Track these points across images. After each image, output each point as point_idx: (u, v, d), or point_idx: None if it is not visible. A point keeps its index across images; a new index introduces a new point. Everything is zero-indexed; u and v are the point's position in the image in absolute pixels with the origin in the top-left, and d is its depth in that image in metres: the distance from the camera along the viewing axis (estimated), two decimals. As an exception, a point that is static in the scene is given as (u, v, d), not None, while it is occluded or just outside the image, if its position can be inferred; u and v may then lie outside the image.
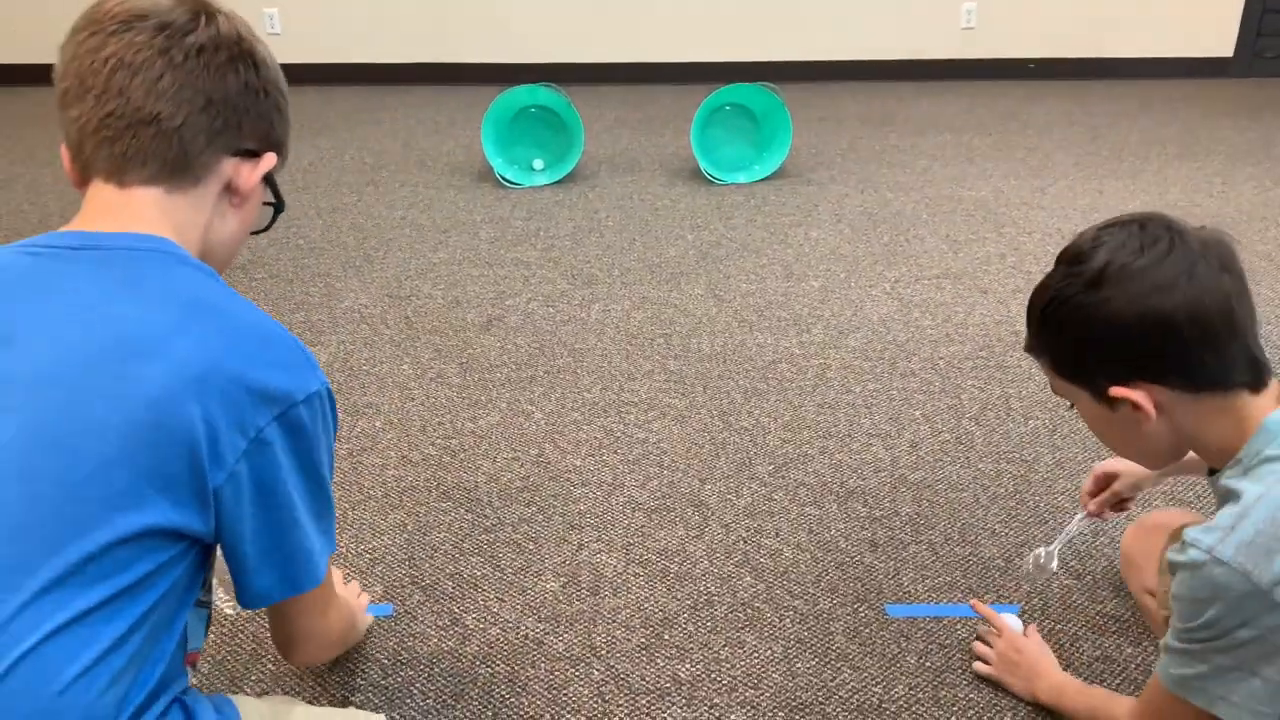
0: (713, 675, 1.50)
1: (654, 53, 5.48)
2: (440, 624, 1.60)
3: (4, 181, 3.82)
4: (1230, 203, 3.55)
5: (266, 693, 1.47)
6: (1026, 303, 1.12)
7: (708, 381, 2.34)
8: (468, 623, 1.61)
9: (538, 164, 3.84)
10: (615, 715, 1.43)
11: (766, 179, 3.80)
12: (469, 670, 1.51)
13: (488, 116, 3.74)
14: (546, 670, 1.51)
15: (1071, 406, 1.12)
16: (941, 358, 2.44)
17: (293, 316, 2.70)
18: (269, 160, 0.99)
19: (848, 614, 1.62)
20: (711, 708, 1.44)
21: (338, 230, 3.32)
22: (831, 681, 1.49)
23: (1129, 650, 1.53)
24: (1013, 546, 1.77)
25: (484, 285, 2.88)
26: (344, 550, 1.77)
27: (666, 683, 1.49)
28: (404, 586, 1.69)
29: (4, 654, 0.76)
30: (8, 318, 0.84)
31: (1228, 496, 0.99)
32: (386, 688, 1.48)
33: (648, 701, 1.46)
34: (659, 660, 1.53)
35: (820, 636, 1.58)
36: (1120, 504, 1.53)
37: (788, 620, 1.61)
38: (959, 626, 1.59)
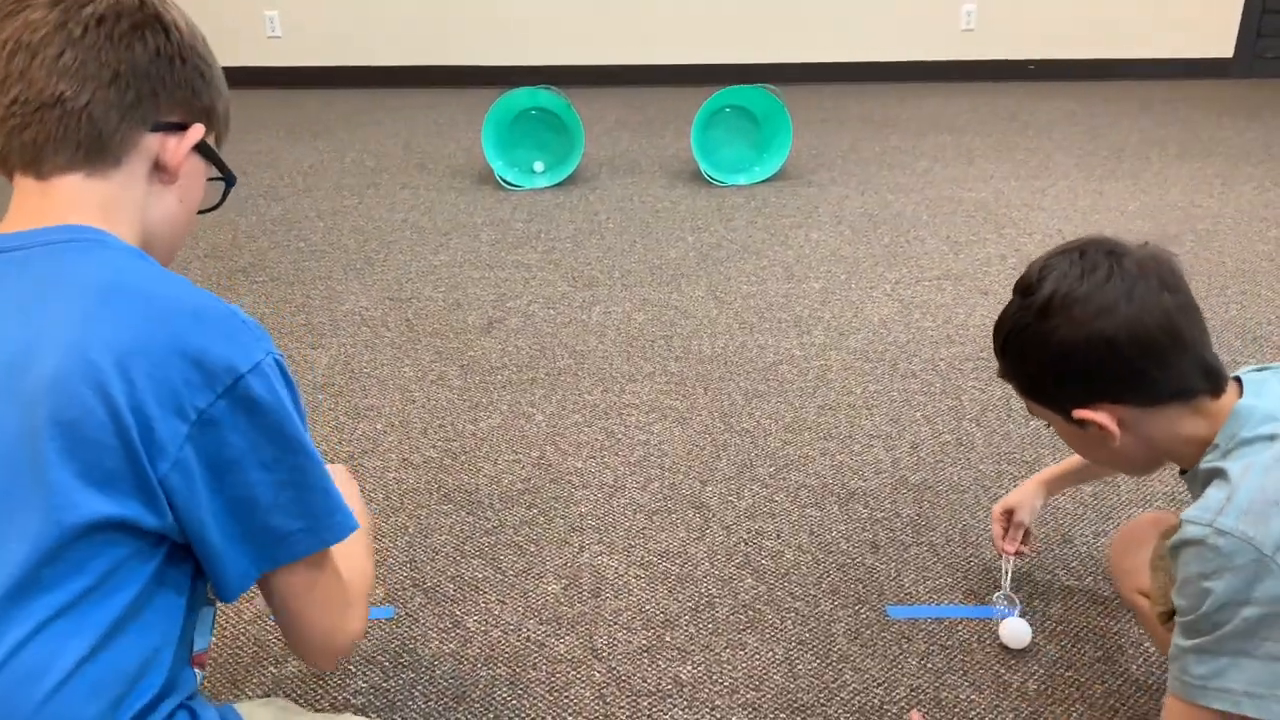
0: (714, 677, 1.50)
1: (654, 55, 5.49)
2: (441, 626, 1.60)
3: None
4: (1230, 203, 3.55)
5: (269, 694, 1.47)
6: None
7: (709, 383, 2.34)
8: (469, 625, 1.61)
9: (538, 166, 3.84)
10: (617, 717, 1.43)
11: (767, 181, 3.80)
12: (470, 672, 1.51)
13: (488, 119, 3.75)
14: (548, 672, 1.51)
15: (1049, 426, 1.18)
16: (942, 359, 2.44)
17: (293, 319, 2.70)
18: (196, 131, 0.91)
19: (849, 616, 1.62)
20: (713, 710, 1.44)
21: (338, 233, 3.33)
22: (833, 683, 1.49)
23: (1130, 651, 1.53)
24: (1014, 548, 1.77)
25: (485, 288, 2.88)
26: (345, 553, 1.77)
27: (668, 685, 1.49)
28: (405, 589, 1.69)
29: None
30: None
31: (1211, 478, 1.02)
32: (388, 690, 1.48)
33: (649, 703, 1.46)
34: (660, 662, 1.53)
35: (822, 638, 1.58)
36: (1026, 535, 1.61)
37: (789, 622, 1.61)
38: (960, 628, 1.59)
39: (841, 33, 5.44)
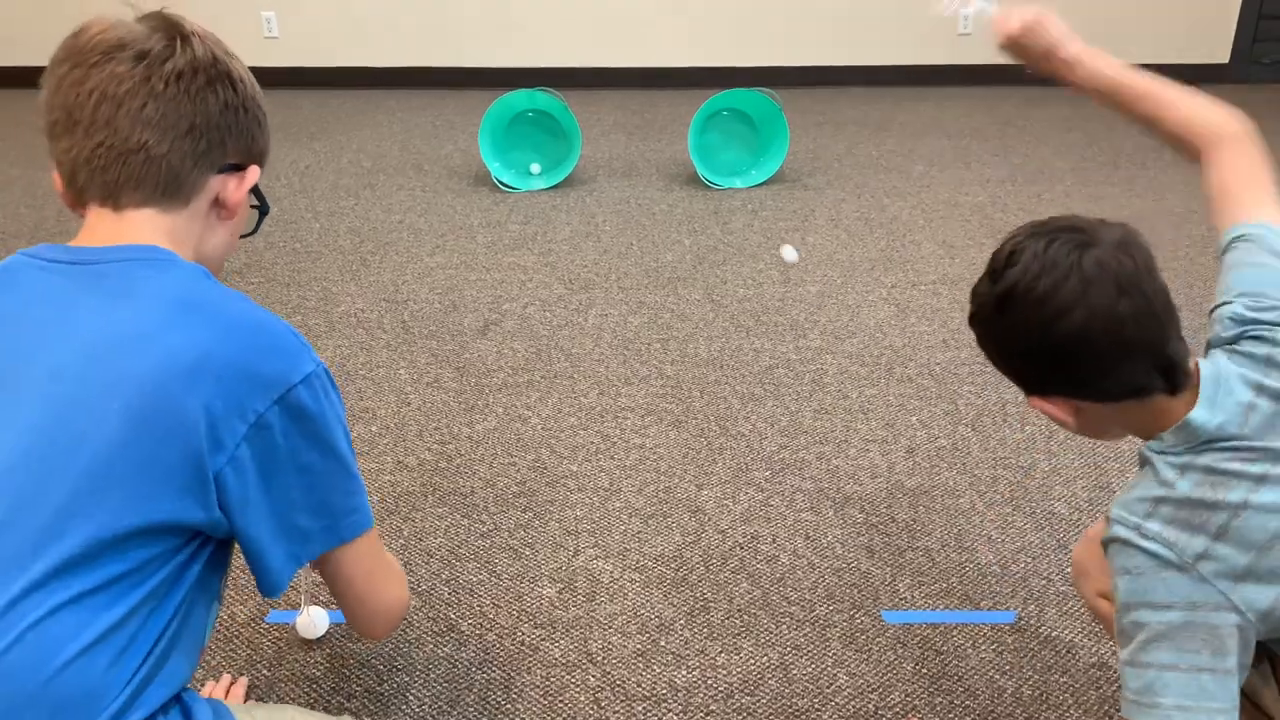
0: (709, 681, 1.50)
1: (652, 58, 5.49)
2: (436, 630, 1.60)
3: (1, 184, 3.81)
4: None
5: (262, 699, 1.46)
6: None
7: (704, 387, 2.34)
8: (464, 629, 1.60)
9: (535, 168, 3.84)
10: (611, 722, 1.43)
11: (764, 184, 3.81)
12: (465, 676, 1.51)
13: (485, 121, 3.74)
14: (542, 676, 1.51)
15: None
16: (938, 363, 2.44)
17: (289, 320, 2.68)
18: (254, 174, 1.02)
19: (844, 620, 1.62)
20: (708, 714, 1.44)
21: (334, 234, 3.32)
22: (828, 688, 1.49)
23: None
24: (1009, 553, 1.77)
25: (481, 290, 2.88)
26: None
27: (663, 689, 1.49)
28: (400, 592, 1.68)
29: (10, 628, 0.81)
30: (28, 320, 0.90)
31: (1147, 465, 1.02)
32: (382, 694, 1.48)
33: (644, 708, 1.45)
34: (655, 666, 1.53)
35: (817, 643, 1.58)
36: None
37: (784, 626, 1.61)
38: (955, 633, 1.59)
39: (838, 36, 5.45)
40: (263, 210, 1.10)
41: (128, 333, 0.87)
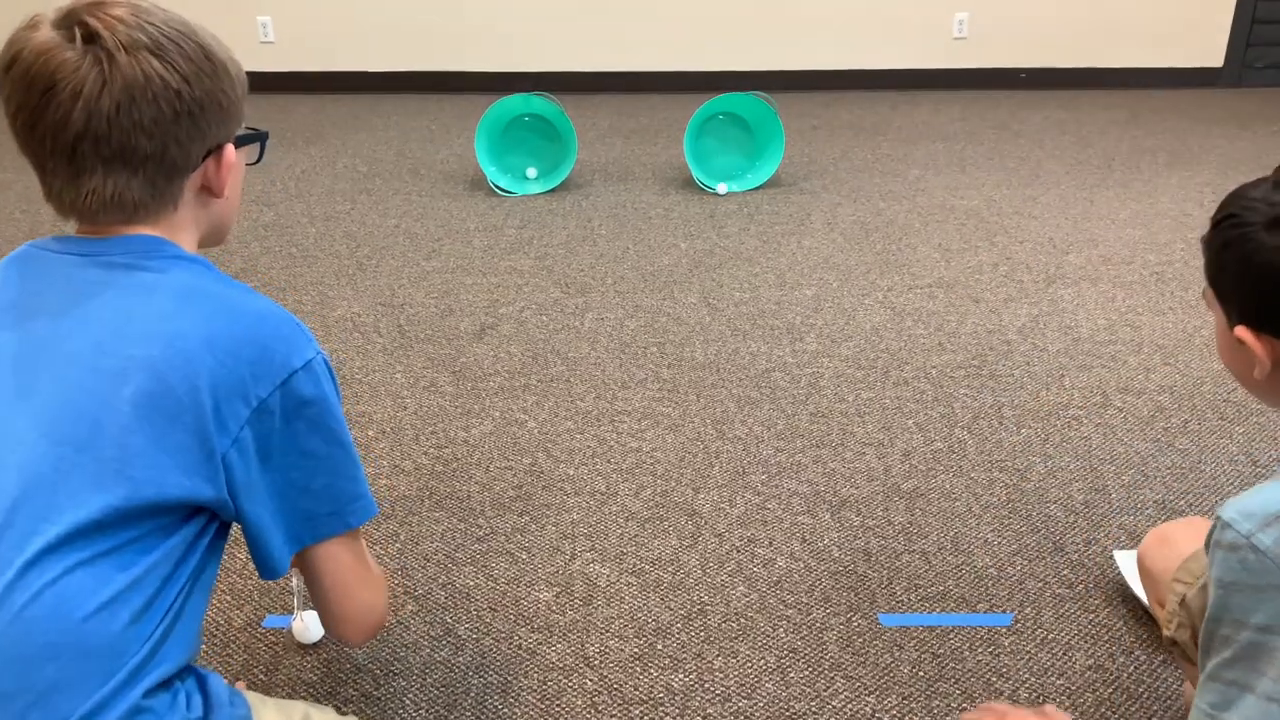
0: (706, 685, 1.50)
1: (647, 62, 5.49)
2: (433, 634, 1.60)
3: (-4, 189, 3.81)
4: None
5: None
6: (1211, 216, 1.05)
7: (701, 390, 2.34)
8: (460, 633, 1.60)
9: (531, 172, 3.84)
10: (608, 726, 1.43)
11: (759, 188, 3.81)
12: (462, 681, 1.51)
13: (481, 125, 3.75)
14: (539, 680, 1.51)
15: (1209, 307, 1.08)
16: (934, 366, 2.45)
17: (285, 325, 2.69)
18: (230, 153, 1.00)
19: (841, 623, 1.62)
20: (705, 718, 1.44)
21: (331, 238, 3.32)
22: (825, 691, 1.49)
23: (1121, 659, 1.53)
24: (1005, 555, 1.78)
25: (477, 294, 2.88)
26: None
27: (660, 693, 1.49)
28: (396, 597, 1.68)
29: (29, 586, 0.84)
30: (43, 308, 0.94)
31: None
32: (379, 698, 1.48)
33: (641, 712, 1.45)
34: (652, 670, 1.53)
35: (814, 646, 1.58)
36: None
37: (781, 630, 1.61)
38: (952, 636, 1.59)
39: (834, 40, 5.46)
40: (260, 139, 1.08)
41: (135, 322, 0.90)
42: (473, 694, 1.48)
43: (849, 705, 1.46)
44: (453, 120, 4.85)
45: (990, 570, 1.74)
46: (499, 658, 1.55)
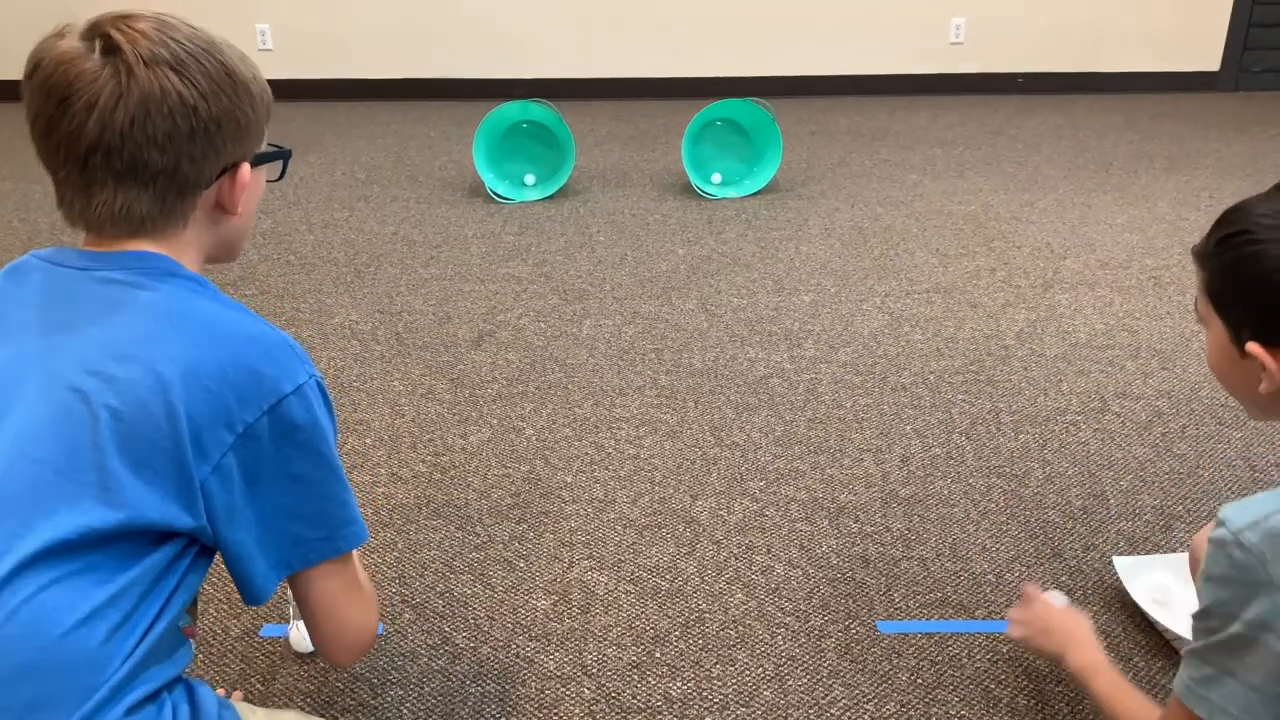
0: (704, 693, 1.50)
1: (645, 68, 5.50)
2: (430, 643, 1.60)
3: (-6, 198, 3.81)
4: (1217, 216, 3.56)
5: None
6: (1215, 220, 1.04)
7: (699, 397, 2.34)
8: (458, 641, 1.60)
9: (529, 179, 3.84)
10: (606, 734, 1.43)
11: (757, 194, 3.81)
12: (459, 689, 1.51)
13: (479, 132, 3.75)
14: (537, 689, 1.51)
15: (1199, 321, 1.08)
16: (932, 372, 2.45)
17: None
18: (245, 172, 0.99)
19: (839, 631, 1.62)
20: (703, 726, 1.44)
21: (329, 246, 3.32)
22: (823, 699, 1.49)
23: (1120, 665, 1.53)
24: (1004, 561, 1.77)
25: (475, 301, 2.88)
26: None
27: (658, 701, 1.48)
28: (394, 605, 1.68)
29: (7, 602, 0.83)
30: (37, 324, 0.93)
31: None
32: (376, 707, 1.47)
33: (639, 720, 1.45)
34: (650, 678, 1.53)
35: (812, 653, 1.57)
36: None
37: (779, 637, 1.61)
38: (951, 642, 1.59)
39: (831, 46, 5.46)
40: (283, 156, 1.08)
41: (121, 343, 0.89)
42: (470, 703, 1.48)
43: (847, 713, 1.46)
44: (451, 127, 4.85)
45: (989, 576, 1.74)
46: (497, 666, 1.55)
